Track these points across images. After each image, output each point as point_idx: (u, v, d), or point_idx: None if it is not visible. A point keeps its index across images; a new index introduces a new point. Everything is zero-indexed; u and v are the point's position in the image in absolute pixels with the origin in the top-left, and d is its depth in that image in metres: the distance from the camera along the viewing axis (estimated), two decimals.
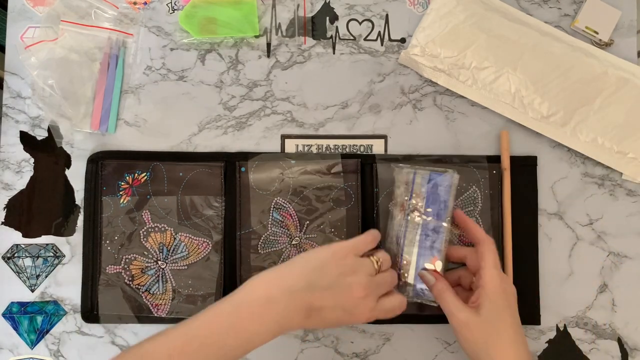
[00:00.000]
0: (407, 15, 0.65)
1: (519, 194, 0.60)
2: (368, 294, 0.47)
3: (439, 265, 0.53)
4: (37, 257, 0.60)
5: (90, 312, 0.58)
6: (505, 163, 0.59)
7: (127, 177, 0.59)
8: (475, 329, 0.48)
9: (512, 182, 0.59)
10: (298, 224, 0.58)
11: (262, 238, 0.58)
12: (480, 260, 0.51)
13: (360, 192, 0.59)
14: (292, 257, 0.57)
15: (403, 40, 0.64)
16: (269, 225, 0.58)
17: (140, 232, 0.58)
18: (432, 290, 0.52)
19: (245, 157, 0.60)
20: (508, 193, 0.59)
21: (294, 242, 0.58)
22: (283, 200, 0.58)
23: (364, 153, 0.61)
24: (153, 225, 0.58)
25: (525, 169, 0.60)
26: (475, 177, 0.59)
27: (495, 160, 0.60)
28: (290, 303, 0.45)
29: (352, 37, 0.64)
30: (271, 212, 0.58)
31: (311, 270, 0.46)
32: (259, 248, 0.58)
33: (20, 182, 0.61)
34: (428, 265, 0.53)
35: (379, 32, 0.64)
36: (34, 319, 0.59)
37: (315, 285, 0.46)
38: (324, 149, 0.62)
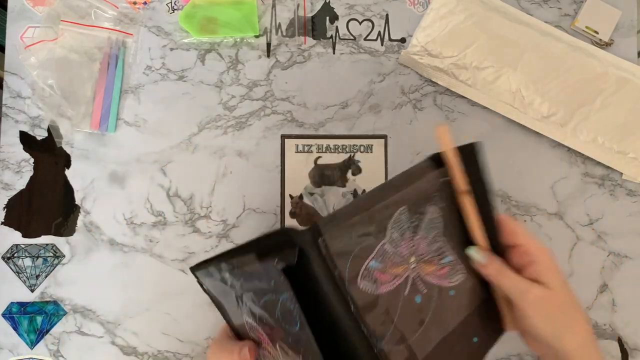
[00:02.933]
0: (407, 15, 0.65)
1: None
2: None
3: None
4: (37, 257, 0.60)
5: None
6: (462, 184, 0.44)
7: None
8: (552, 300, 0.43)
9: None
10: None
11: None
12: (512, 237, 0.45)
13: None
14: None
15: (403, 40, 0.64)
16: None
17: None
18: (487, 271, 0.44)
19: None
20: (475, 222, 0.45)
21: None
22: None
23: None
24: None
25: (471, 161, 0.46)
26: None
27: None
28: None
29: (352, 37, 0.64)
30: None
31: None
32: None
33: (20, 182, 0.61)
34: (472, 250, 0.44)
35: (379, 32, 0.64)
36: (33, 319, 0.59)
37: None
38: (324, 149, 0.62)
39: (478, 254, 0.44)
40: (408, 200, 0.40)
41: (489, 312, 0.44)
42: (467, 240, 0.44)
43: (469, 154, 0.45)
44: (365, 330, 0.36)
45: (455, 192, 0.44)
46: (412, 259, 0.41)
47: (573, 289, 0.44)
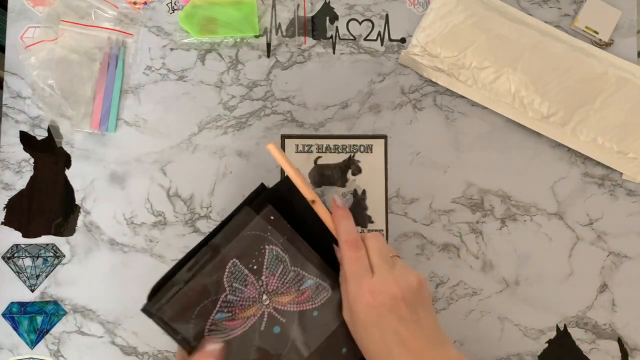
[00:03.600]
0: (407, 15, 0.65)
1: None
2: None
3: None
4: (37, 257, 0.60)
5: None
6: (309, 194, 0.47)
7: None
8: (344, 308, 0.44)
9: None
10: None
11: None
12: (341, 266, 0.46)
13: None
14: None
15: (403, 40, 0.64)
16: None
17: None
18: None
19: None
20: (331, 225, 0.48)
21: None
22: None
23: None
24: None
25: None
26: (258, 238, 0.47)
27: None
28: None
29: (352, 37, 0.64)
30: None
31: None
32: None
33: (20, 182, 0.61)
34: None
35: (379, 32, 0.64)
36: (33, 319, 0.59)
37: None
38: (324, 149, 0.62)
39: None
40: (236, 253, 0.45)
41: None
42: (327, 257, 0.47)
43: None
44: None
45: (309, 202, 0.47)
46: (265, 297, 0.46)
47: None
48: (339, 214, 0.47)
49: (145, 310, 0.43)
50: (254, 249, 0.45)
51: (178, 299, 0.43)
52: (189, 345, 0.43)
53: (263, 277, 0.46)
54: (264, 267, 0.46)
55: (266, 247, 0.46)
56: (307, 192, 0.47)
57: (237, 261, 0.45)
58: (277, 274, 0.46)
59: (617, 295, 0.61)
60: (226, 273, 0.45)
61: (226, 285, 0.45)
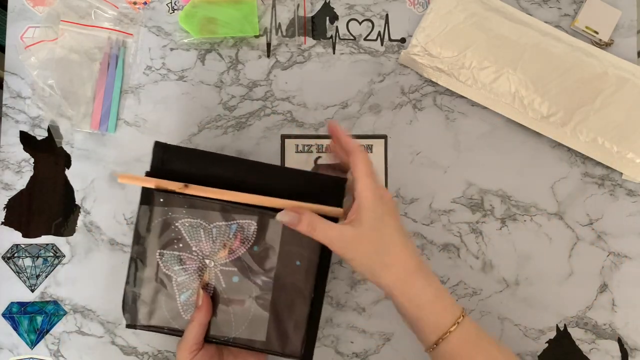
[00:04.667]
0: (407, 15, 0.65)
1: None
2: None
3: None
4: (37, 257, 0.60)
5: None
6: (175, 185, 0.48)
7: None
8: (364, 240, 0.45)
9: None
10: None
11: None
12: (353, 172, 0.47)
13: None
14: None
15: (403, 40, 0.64)
16: None
17: None
18: (302, 227, 0.46)
19: None
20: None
21: None
22: None
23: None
24: None
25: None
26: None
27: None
28: None
29: (352, 37, 0.64)
30: None
31: None
32: None
33: (20, 182, 0.61)
34: None
35: (379, 32, 0.64)
36: (34, 319, 0.59)
37: None
38: (323, 149, 0.62)
39: (289, 213, 0.46)
40: (156, 246, 0.49)
41: (293, 234, 0.48)
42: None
43: (169, 155, 0.50)
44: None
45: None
46: (208, 261, 0.50)
47: (396, 220, 0.47)
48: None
49: (128, 326, 0.50)
50: (168, 232, 0.49)
51: (143, 306, 0.49)
52: (178, 331, 0.49)
53: (194, 248, 0.49)
54: (188, 240, 0.49)
55: (176, 224, 0.49)
56: (172, 185, 0.48)
57: (162, 251, 0.49)
58: (202, 238, 0.49)
59: (617, 295, 0.61)
60: (161, 266, 0.49)
61: (169, 273, 0.49)
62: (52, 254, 0.60)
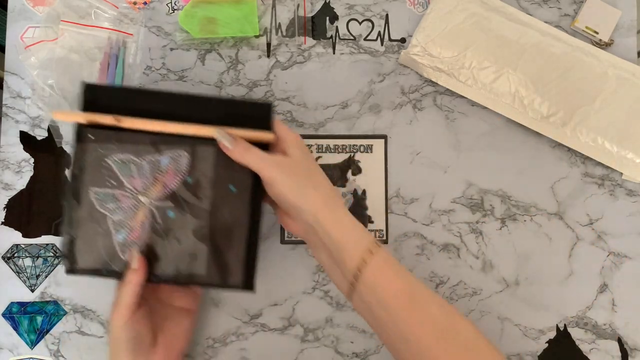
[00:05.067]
0: (407, 15, 0.65)
1: None
2: None
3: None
4: (37, 257, 0.60)
5: None
6: (108, 118, 0.49)
7: None
8: (293, 165, 0.48)
9: None
10: None
11: None
12: (274, 128, 0.51)
13: None
14: None
15: (403, 40, 0.64)
16: None
17: None
18: (235, 151, 0.48)
19: None
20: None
21: None
22: None
23: None
24: None
25: None
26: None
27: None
28: None
29: (352, 37, 0.64)
30: None
31: None
32: None
33: (20, 182, 0.61)
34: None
35: (379, 32, 0.64)
36: (34, 319, 0.59)
37: None
38: (324, 149, 0.62)
39: (226, 136, 0.49)
40: (89, 184, 0.50)
41: (226, 160, 0.50)
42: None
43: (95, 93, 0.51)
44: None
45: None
46: (141, 198, 0.50)
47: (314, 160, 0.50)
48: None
49: (68, 272, 0.50)
50: (100, 169, 0.50)
51: (80, 249, 0.50)
52: (117, 273, 0.50)
53: (127, 185, 0.50)
54: (120, 176, 0.50)
55: (107, 160, 0.50)
56: (105, 118, 0.49)
57: (95, 189, 0.50)
58: (134, 174, 0.50)
59: (617, 295, 0.61)
60: (95, 204, 0.50)
61: (104, 212, 0.50)
62: (52, 254, 0.60)
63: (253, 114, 0.51)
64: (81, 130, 0.50)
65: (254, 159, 0.48)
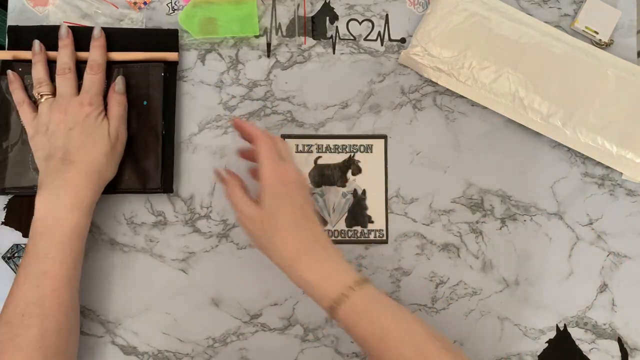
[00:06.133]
0: (407, 15, 0.65)
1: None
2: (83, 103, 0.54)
3: None
4: None
5: None
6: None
7: None
8: (259, 222, 0.49)
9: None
10: None
11: None
12: (256, 158, 0.51)
13: None
14: None
15: (403, 40, 0.64)
16: None
17: None
18: (226, 190, 0.52)
19: None
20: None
21: None
22: None
23: None
24: None
25: None
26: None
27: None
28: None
29: (352, 37, 0.64)
30: None
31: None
32: None
33: None
34: None
35: (379, 32, 0.64)
36: None
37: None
38: (324, 149, 0.62)
39: (222, 173, 0.54)
40: (13, 107, 0.57)
41: (138, 78, 0.59)
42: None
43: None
44: None
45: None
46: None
47: (294, 202, 0.49)
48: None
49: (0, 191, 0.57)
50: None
51: (10, 169, 0.57)
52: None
53: None
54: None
55: (33, 91, 0.56)
56: (28, 54, 0.57)
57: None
58: None
59: (617, 295, 0.61)
60: (24, 128, 0.56)
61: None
62: None
63: (161, 39, 0.60)
64: (9, 65, 0.58)
65: (234, 202, 0.51)
